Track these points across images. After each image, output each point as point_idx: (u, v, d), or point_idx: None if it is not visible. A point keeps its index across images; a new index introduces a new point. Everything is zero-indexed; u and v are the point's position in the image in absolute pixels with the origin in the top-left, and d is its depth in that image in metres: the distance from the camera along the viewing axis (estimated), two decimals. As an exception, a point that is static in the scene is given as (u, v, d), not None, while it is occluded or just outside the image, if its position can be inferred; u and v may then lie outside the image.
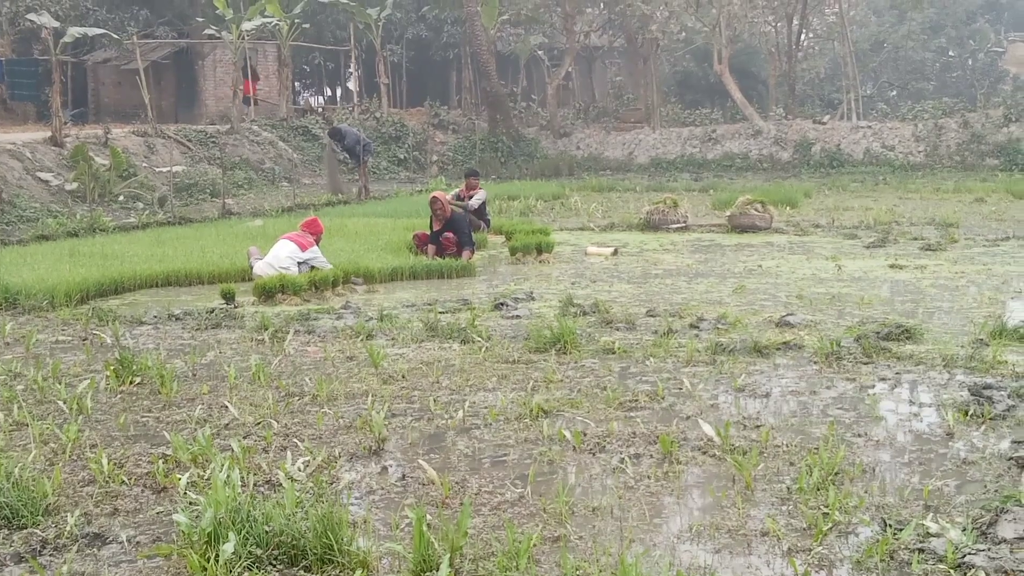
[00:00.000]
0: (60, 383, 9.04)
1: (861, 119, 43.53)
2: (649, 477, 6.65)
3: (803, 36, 53.69)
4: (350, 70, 49.48)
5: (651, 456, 7.02)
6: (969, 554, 5.30)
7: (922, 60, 61.19)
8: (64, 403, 8.41)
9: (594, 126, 45.92)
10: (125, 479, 6.64)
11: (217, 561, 5.12)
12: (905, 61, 60.45)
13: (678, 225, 20.80)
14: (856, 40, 52.53)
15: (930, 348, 10.03)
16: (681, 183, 33.24)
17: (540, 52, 51.47)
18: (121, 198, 26.75)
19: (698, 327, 11.19)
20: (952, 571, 5.17)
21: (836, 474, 6.49)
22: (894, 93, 58.79)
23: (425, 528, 5.19)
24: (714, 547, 5.61)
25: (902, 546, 5.43)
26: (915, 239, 18.19)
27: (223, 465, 6.26)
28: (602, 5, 47.56)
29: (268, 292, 13.25)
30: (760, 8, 48.82)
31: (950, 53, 63.88)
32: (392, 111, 43.29)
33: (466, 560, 5.23)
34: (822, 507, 5.96)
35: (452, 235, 16.52)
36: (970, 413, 7.83)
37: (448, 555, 5.09)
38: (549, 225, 20.63)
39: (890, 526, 5.68)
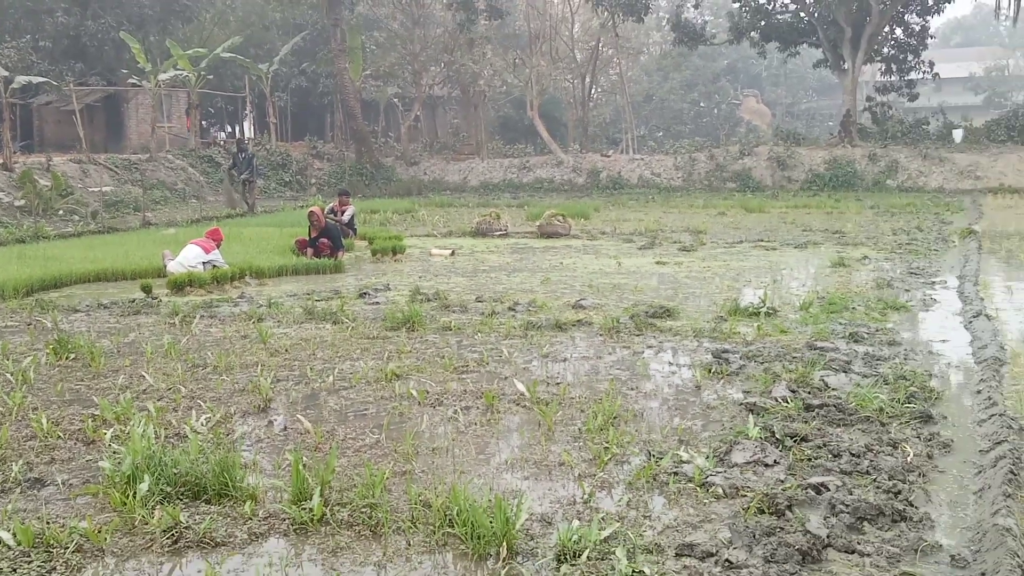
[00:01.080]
0: (8, 359, 8.68)
1: (636, 153, 44.37)
2: (476, 424, 6.67)
3: (593, 90, 54.52)
4: (246, 112, 48.37)
5: (478, 408, 7.03)
6: (711, 475, 5.45)
7: (681, 109, 62.65)
8: (11, 375, 8.07)
9: (437, 157, 45.76)
10: (61, 435, 6.39)
11: (135, 497, 5.00)
12: (668, 110, 61.82)
13: (500, 232, 20.88)
14: (632, 94, 53.48)
15: (684, 323, 10.26)
16: (503, 200, 33.31)
17: (396, 99, 51.10)
18: (61, 212, 25.70)
19: (515, 310, 11.24)
20: (698, 488, 5.32)
21: (615, 418, 6.60)
22: (660, 134, 60.08)
23: (301, 467, 5.12)
24: (524, 475, 5.66)
25: (662, 471, 5.56)
26: (675, 242, 18.57)
27: (140, 422, 6.12)
28: (443, 64, 47.42)
29: (179, 286, 12.88)
30: (561, 68, 49.35)
31: (701, 104, 65.52)
32: (279, 144, 42.44)
33: (333, 491, 5.17)
34: (604, 443, 6.05)
35: (327, 241, 16.35)
36: (712, 371, 8.05)
37: (319, 487, 5.03)
38: (402, 233, 20.52)
39: (653, 456, 5.80)
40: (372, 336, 9.84)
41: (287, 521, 4.91)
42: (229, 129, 55.63)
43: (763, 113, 58.03)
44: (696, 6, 43.89)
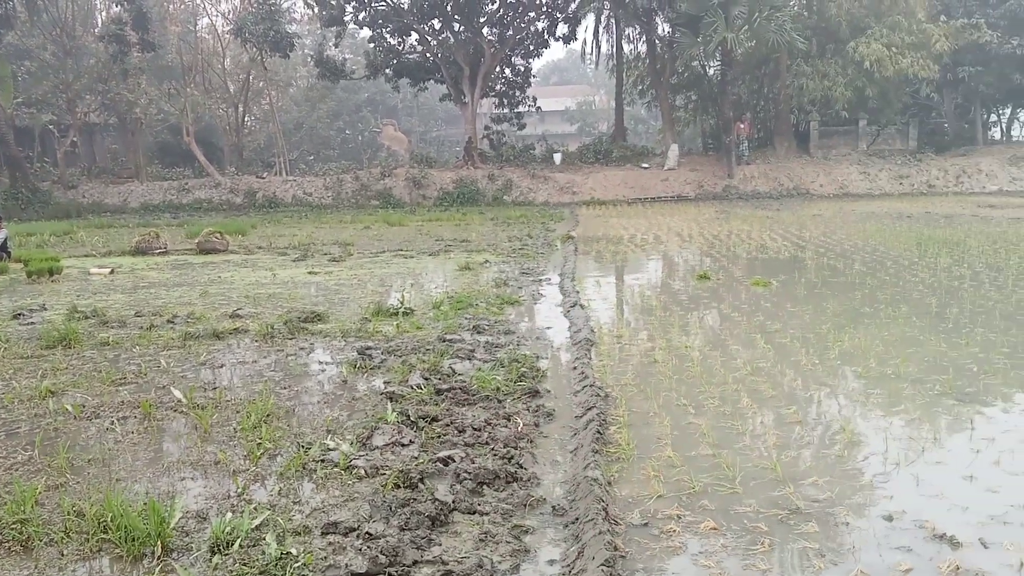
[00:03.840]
0: None
1: (289, 175, 43.49)
2: (133, 433, 6.23)
3: (247, 118, 52.86)
4: None
5: (135, 417, 6.57)
6: (354, 459, 5.44)
7: (328, 136, 62.26)
8: None
9: (96, 181, 42.35)
10: None
11: None
12: (317, 136, 61.15)
13: (160, 250, 19.69)
14: (283, 122, 52.39)
15: (333, 326, 10.20)
16: (164, 221, 31.52)
17: (51, 126, 46.64)
18: None
19: (173, 322, 10.62)
20: (343, 471, 5.29)
21: (268, 416, 6.43)
22: (311, 157, 59.34)
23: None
24: (181, 477, 5.36)
25: (311, 459, 5.48)
26: (326, 254, 18.42)
27: None
28: (98, 93, 43.87)
29: None
30: (215, 98, 47.44)
31: (347, 131, 65.48)
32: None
33: (-17, 511, 4.62)
34: (258, 439, 5.87)
35: (-23, 264, 14.61)
36: (357, 366, 8.06)
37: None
38: (60, 254, 18.76)
39: (302, 447, 5.71)
40: (26, 356, 8.90)
41: (-70, 547, 4.33)
42: None
43: (401, 140, 58.90)
44: (336, 45, 43.72)
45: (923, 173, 38.56)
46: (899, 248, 16.86)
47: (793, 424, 6.24)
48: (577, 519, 4.52)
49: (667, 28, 39.33)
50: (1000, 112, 49.37)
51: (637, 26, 40.35)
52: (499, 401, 6.79)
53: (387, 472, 5.19)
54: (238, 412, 6.61)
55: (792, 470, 5.30)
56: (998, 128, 49.63)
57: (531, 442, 5.89)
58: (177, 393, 6.97)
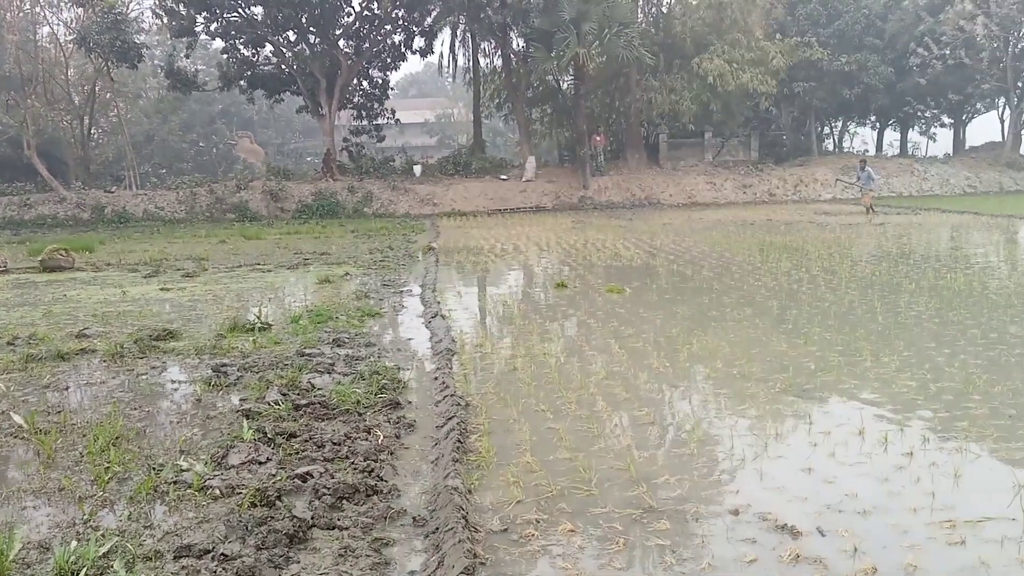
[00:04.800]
0: None
1: (140, 189, 41.73)
2: (-32, 462, 5.84)
3: (93, 130, 50.50)
4: None
5: (-30, 446, 6.16)
6: (209, 479, 5.26)
7: (181, 148, 60.05)
8: None
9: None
10: None
11: None
12: (170, 149, 58.88)
13: (-1, 269, 18.56)
14: (133, 134, 50.17)
15: (187, 343, 9.83)
16: (3, 238, 29.65)
17: None
18: None
19: (14, 344, 9.99)
20: (197, 492, 5.11)
21: (118, 438, 6.14)
22: (164, 171, 57.13)
23: None
24: (22, 506, 5.05)
25: (163, 482, 5.27)
26: (179, 270, 17.74)
27: None
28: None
29: None
30: (59, 110, 45.06)
31: (200, 144, 63.34)
32: None
33: None
34: (106, 463, 5.60)
35: None
36: (212, 384, 7.80)
37: None
38: None
39: (154, 469, 5.48)
40: None
41: None
42: None
43: (257, 152, 57.42)
44: (187, 56, 42.28)
45: (764, 182, 40.38)
46: (743, 254, 17.59)
47: (646, 425, 6.41)
48: (437, 528, 4.50)
49: (522, 43, 39.86)
50: (833, 125, 52.34)
51: (493, 40, 40.72)
52: (359, 414, 6.70)
53: (243, 491, 5.04)
54: (84, 436, 6.28)
55: (646, 470, 5.44)
56: (831, 140, 52.55)
57: (392, 454, 5.83)
58: (17, 418, 6.56)
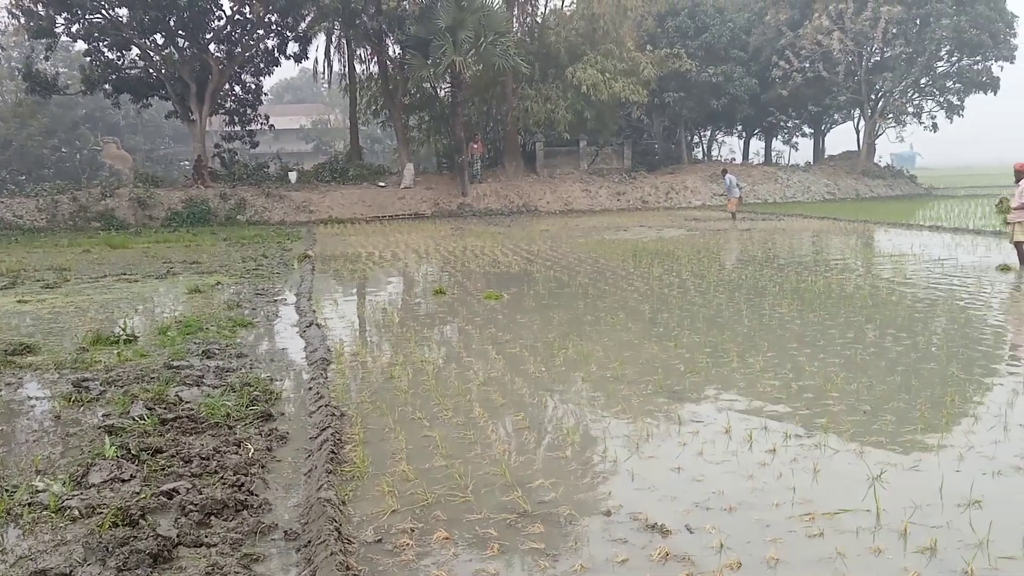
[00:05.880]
0: None
1: (-4, 196, 39.53)
2: None
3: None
4: None
5: None
6: (67, 499, 5.01)
7: (42, 154, 57.07)
8: None
9: None
10: None
11: None
12: (29, 155, 55.93)
13: None
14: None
15: (46, 357, 9.35)
16: None
17: None
18: None
19: None
20: (54, 514, 4.85)
21: (-34, 460, 5.78)
22: (23, 177, 54.23)
23: None
24: None
25: (16, 504, 4.98)
26: (39, 281, 16.83)
27: None
28: None
29: None
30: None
31: (63, 150, 60.41)
32: None
33: None
34: (-47, 487, 5.25)
35: None
36: (72, 399, 7.44)
37: None
38: None
39: (7, 490, 5.18)
40: None
41: None
42: None
43: (124, 158, 55.13)
44: (47, 58, 40.26)
45: (638, 190, 41.33)
46: (617, 260, 17.94)
47: (523, 430, 6.45)
48: (310, 542, 4.40)
49: (398, 50, 39.64)
50: (702, 134, 54.04)
51: (369, 47, 40.33)
52: (230, 427, 6.51)
53: (104, 511, 4.81)
54: (-72, 459, 5.89)
55: (521, 474, 5.47)
56: (700, 148, 54.26)
57: (263, 467, 5.68)
58: None
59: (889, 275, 14.83)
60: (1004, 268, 15.18)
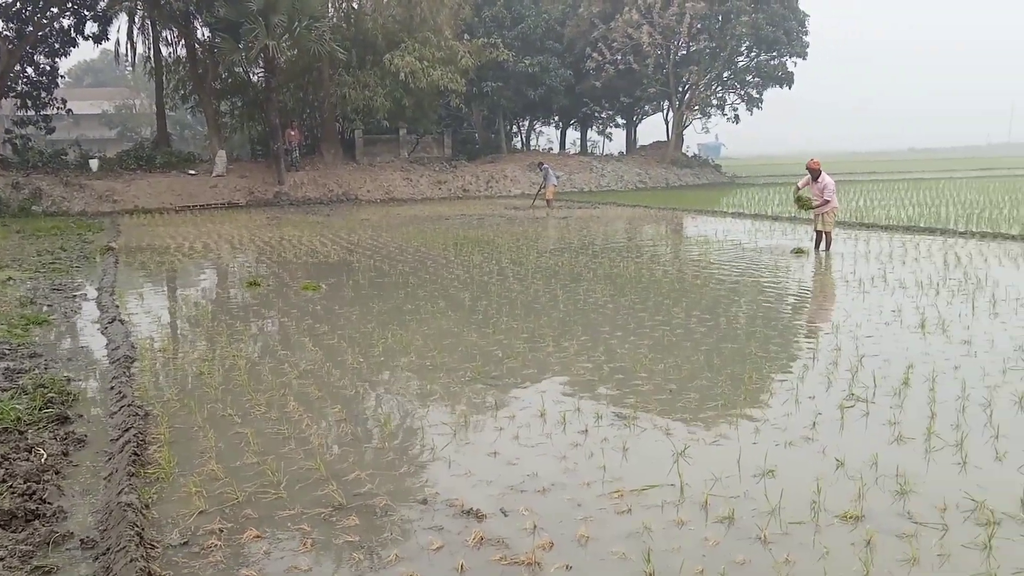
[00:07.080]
0: None
1: None
2: None
3: None
4: None
5: None
6: None
7: None
8: None
9: None
10: None
11: None
12: None
13: None
14: None
15: None
16: None
17: None
18: None
19: None
20: None
21: None
22: None
23: None
24: None
25: None
26: None
27: None
28: None
29: None
30: None
31: None
32: None
33: None
34: None
35: None
36: None
37: None
38: None
39: None
40: None
41: None
42: None
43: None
44: None
45: (458, 179, 41.53)
46: (438, 248, 17.98)
47: (339, 422, 6.36)
48: (108, 549, 4.17)
49: (207, 33, 38.07)
50: (520, 124, 54.86)
51: (175, 29, 38.51)
52: (20, 432, 6.07)
53: None
54: None
55: (337, 468, 5.39)
56: (519, 138, 55.09)
57: (58, 473, 5.34)
58: None
59: (695, 259, 15.59)
60: (798, 251, 16.29)
